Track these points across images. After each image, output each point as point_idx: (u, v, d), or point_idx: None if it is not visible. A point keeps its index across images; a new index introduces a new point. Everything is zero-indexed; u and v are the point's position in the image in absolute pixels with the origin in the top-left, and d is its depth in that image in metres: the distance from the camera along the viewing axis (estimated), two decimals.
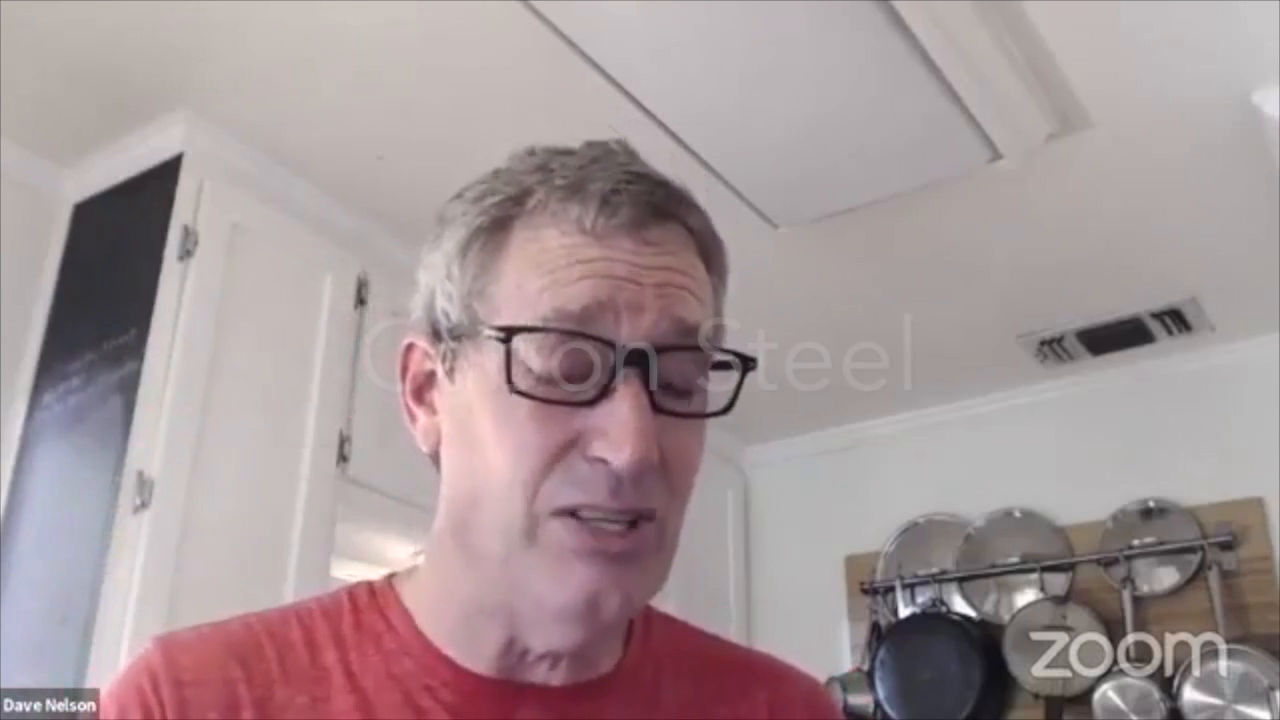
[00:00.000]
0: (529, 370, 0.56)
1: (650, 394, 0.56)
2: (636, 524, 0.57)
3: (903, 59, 1.77)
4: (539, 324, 0.56)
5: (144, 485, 1.79)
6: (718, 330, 0.62)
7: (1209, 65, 1.90)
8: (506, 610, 0.59)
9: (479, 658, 0.62)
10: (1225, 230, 2.38)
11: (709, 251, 0.63)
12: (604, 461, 0.55)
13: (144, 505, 1.78)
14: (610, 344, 0.56)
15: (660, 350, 0.56)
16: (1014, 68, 1.86)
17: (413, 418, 0.64)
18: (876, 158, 2.07)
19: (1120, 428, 2.93)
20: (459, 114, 2.02)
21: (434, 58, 1.90)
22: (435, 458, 0.64)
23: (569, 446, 0.56)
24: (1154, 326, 2.75)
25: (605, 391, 0.55)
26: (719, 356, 0.60)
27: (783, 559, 3.37)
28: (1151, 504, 2.82)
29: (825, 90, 1.88)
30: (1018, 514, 3.00)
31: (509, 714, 0.61)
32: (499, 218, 0.59)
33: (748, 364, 0.60)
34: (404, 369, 0.64)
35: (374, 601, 0.65)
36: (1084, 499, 2.90)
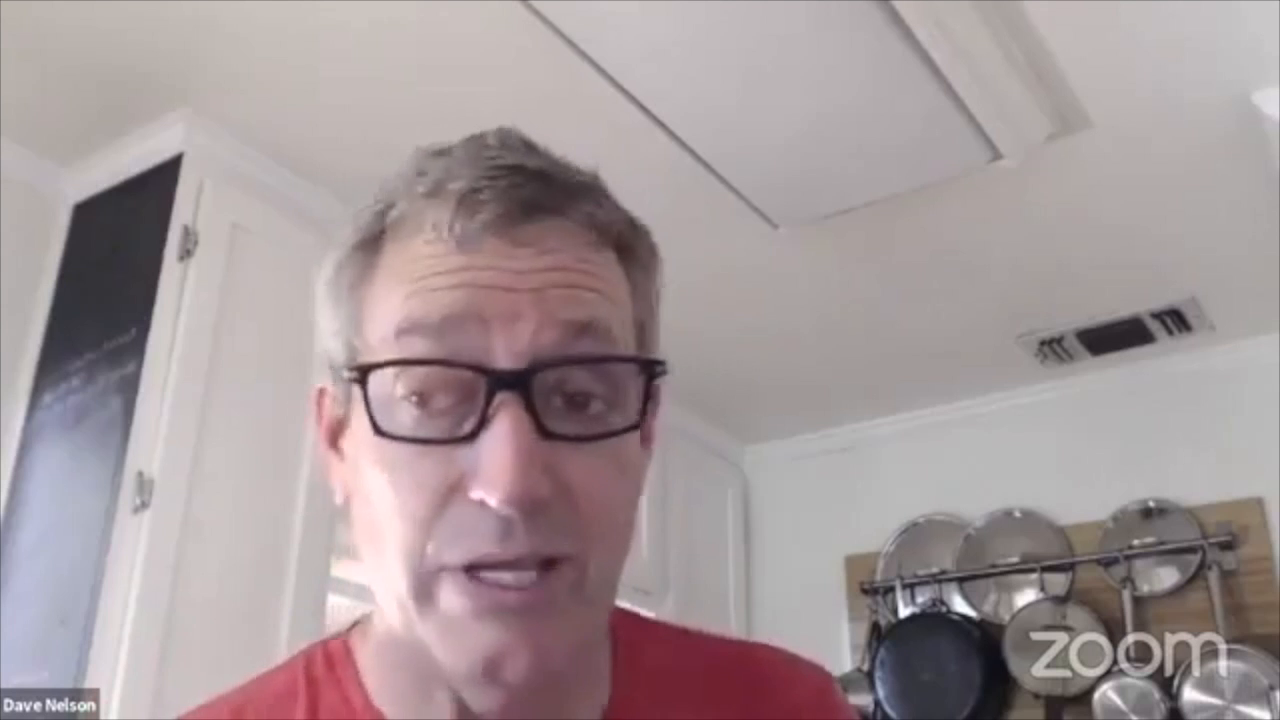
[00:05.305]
0: (391, 402, 0.50)
1: (536, 418, 0.48)
2: (548, 570, 0.49)
3: (903, 59, 1.77)
4: (392, 355, 0.50)
5: (144, 485, 1.79)
6: (642, 328, 0.56)
7: (1209, 65, 1.90)
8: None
9: None
10: (1225, 230, 2.38)
11: (624, 242, 0.55)
12: (485, 505, 0.47)
13: (144, 505, 1.78)
14: (483, 370, 0.48)
15: (545, 365, 0.49)
16: (1014, 68, 1.86)
17: (329, 468, 0.57)
18: (876, 158, 2.07)
19: (1120, 428, 2.93)
20: (459, 114, 2.02)
21: (434, 58, 1.90)
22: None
23: (453, 490, 0.48)
24: (1154, 326, 2.75)
25: (484, 422, 0.48)
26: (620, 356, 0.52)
27: (783, 559, 3.37)
28: (1151, 504, 2.82)
29: (825, 90, 1.88)
30: (1018, 514, 3.00)
31: None
32: (368, 236, 0.54)
33: (650, 369, 0.52)
34: (318, 417, 0.57)
35: (332, 675, 0.59)
36: (1084, 499, 2.90)
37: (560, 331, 0.50)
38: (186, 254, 1.95)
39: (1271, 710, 2.42)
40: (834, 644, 3.14)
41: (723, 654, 0.67)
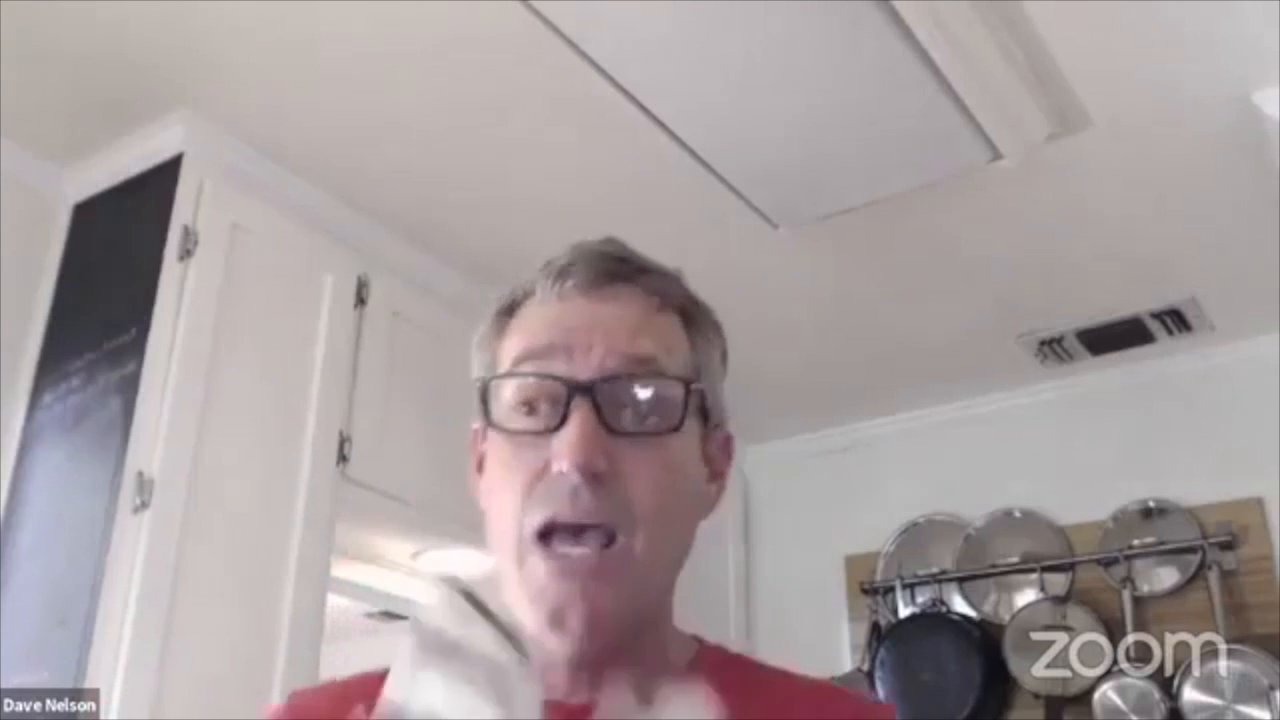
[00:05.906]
0: (508, 411, 0.69)
1: (601, 417, 0.66)
2: (606, 546, 0.65)
3: (903, 59, 1.76)
4: (505, 371, 0.70)
5: (144, 485, 1.79)
6: (698, 370, 0.74)
7: (1209, 65, 1.90)
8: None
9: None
10: (1225, 230, 2.38)
11: (687, 311, 0.75)
12: (561, 473, 0.65)
13: (144, 505, 1.78)
14: (561, 379, 0.67)
15: (608, 380, 0.67)
16: (1014, 68, 1.86)
17: (475, 487, 0.75)
18: (876, 157, 2.07)
19: (1120, 428, 2.93)
20: (459, 114, 2.02)
21: (434, 58, 1.90)
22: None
23: (544, 469, 0.66)
24: (1154, 326, 2.75)
25: (564, 420, 0.66)
26: (666, 381, 0.69)
27: (783, 559, 3.36)
28: (1151, 504, 2.81)
29: (825, 90, 1.88)
30: (1018, 514, 3.00)
31: None
32: (509, 304, 0.75)
33: (687, 385, 0.71)
34: (472, 449, 0.76)
35: None
36: (1084, 499, 2.89)
37: (620, 359, 0.68)
38: (186, 254, 1.95)
39: (1271, 710, 2.42)
40: (834, 644, 3.14)
41: (779, 678, 0.78)
